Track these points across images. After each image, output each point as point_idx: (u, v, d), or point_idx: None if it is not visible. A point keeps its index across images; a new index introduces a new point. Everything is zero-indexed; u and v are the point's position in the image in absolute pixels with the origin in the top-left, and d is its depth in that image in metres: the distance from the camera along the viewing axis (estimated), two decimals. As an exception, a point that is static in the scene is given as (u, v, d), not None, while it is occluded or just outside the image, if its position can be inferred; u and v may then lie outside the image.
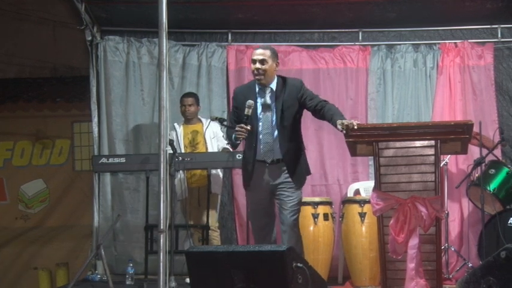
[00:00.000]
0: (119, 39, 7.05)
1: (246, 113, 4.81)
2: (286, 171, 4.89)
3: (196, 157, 6.06)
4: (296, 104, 4.89)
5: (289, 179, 4.89)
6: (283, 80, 4.97)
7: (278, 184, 4.91)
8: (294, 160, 4.90)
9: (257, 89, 4.97)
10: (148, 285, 5.75)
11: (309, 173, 5.11)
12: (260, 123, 4.92)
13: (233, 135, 4.89)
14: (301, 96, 4.88)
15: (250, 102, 4.84)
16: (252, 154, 4.95)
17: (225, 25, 7.15)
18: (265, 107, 4.93)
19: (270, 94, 4.94)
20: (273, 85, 4.95)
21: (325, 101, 4.90)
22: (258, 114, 4.93)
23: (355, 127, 4.55)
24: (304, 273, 3.66)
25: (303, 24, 7.09)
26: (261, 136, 4.91)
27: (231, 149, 5.48)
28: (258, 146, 4.92)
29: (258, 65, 4.89)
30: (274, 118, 4.90)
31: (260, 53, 4.92)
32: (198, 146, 6.35)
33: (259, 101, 4.95)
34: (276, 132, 4.89)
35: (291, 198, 4.89)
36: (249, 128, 4.80)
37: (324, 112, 4.80)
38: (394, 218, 4.66)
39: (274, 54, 4.97)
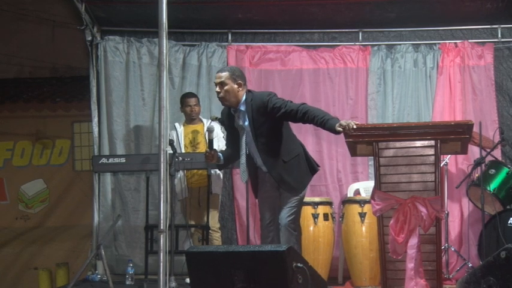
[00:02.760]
0: (119, 39, 7.05)
1: (209, 137, 4.89)
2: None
3: (196, 157, 6.05)
4: (268, 119, 4.77)
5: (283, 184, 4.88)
6: (251, 98, 4.85)
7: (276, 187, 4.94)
8: (281, 172, 4.84)
9: (232, 110, 4.94)
10: (148, 286, 5.75)
11: (313, 171, 5.03)
12: (243, 145, 4.91)
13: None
14: (271, 109, 4.73)
15: (210, 126, 4.95)
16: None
17: (225, 25, 7.15)
18: (240, 129, 4.91)
19: (241, 116, 4.89)
20: (242, 106, 4.87)
21: (303, 104, 4.76)
22: (240, 136, 4.93)
23: (354, 127, 4.51)
24: (305, 273, 3.67)
25: (303, 24, 7.10)
26: (246, 156, 4.92)
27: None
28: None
29: (217, 89, 4.85)
30: (250, 138, 4.86)
31: (217, 76, 4.89)
32: (199, 146, 6.35)
33: (235, 123, 4.94)
34: (257, 152, 4.87)
35: (290, 198, 4.87)
36: (212, 152, 4.86)
37: (309, 117, 4.64)
38: (394, 218, 4.66)
39: (234, 75, 4.85)
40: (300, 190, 4.91)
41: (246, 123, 4.85)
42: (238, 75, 4.87)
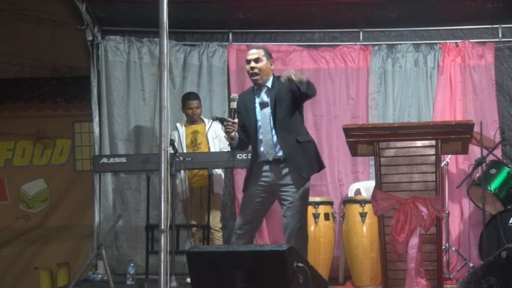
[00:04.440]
0: (119, 39, 7.05)
1: (231, 106, 4.85)
2: (288, 170, 4.82)
3: (197, 157, 6.06)
4: (289, 96, 4.81)
5: (291, 182, 4.80)
6: (278, 77, 4.94)
7: (281, 186, 4.85)
8: (294, 152, 4.82)
9: (254, 91, 4.98)
10: (149, 285, 5.75)
11: (320, 166, 5.00)
12: (259, 123, 4.91)
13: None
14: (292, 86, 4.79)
15: (234, 96, 4.93)
16: (255, 156, 4.95)
17: (225, 25, 7.15)
18: (263, 105, 4.91)
19: (266, 92, 4.93)
20: (269, 83, 4.94)
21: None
22: (257, 115, 4.92)
23: (293, 75, 4.50)
24: (305, 273, 3.66)
25: (304, 24, 7.10)
26: (261, 136, 4.90)
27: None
28: (259, 146, 4.91)
29: (252, 64, 4.89)
30: (270, 114, 4.88)
31: (254, 52, 4.94)
32: (200, 146, 6.35)
33: (257, 100, 4.94)
34: (274, 128, 4.86)
35: (295, 204, 4.81)
36: (236, 121, 4.82)
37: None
38: (395, 218, 4.65)
39: (268, 54, 4.97)
40: (308, 173, 4.86)
41: (269, 98, 4.89)
42: (270, 54, 5.00)
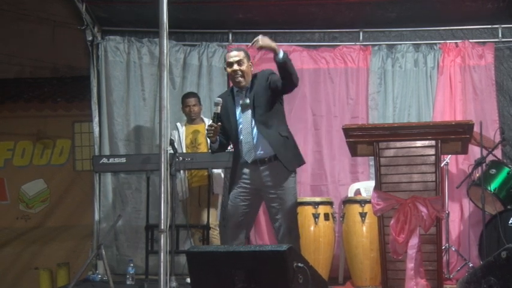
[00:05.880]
0: (119, 39, 7.06)
1: (214, 111, 4.83)
2: (268, 172, 4.79)
3: (196, 157, 6.05)
4: (268, 91, 4.82)
5: (274, 183, 4.79)
6: (256, 76, 4.94)
7: (265, 188, 4.84)
8: (280, 145, 4.79)
9: (235, 92, 4.96)
10: (149, 285, 5.75)
11: (300, 161, 4.98)
12: (241, 126, 4.88)
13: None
14: (269, 81, 4.80)
15: (217, 99, 4.88)
16: (236, 157, 4.94)
17: (225, 25, 7.15)
18: (244, 107, 4.89)
19: (247, 94, 4.90)
20: (249, 85, 4.93)
21: None
22: (238, 117, 4.90)
23: (259, 40, 4.61)
24: (305, 273, 3.67)
25: (304, 24, 7.10)
26: (241, 137, 4.87)
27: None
28: (240, 147, 4.88)
29: (236, 67, 4.86)
30: (252, 115, 4.86)
31: (236, 54, 4.91)
32: (200, 147, 6.35)
33: (238, 103, 4.92)
34: (255, 129, 4.84)
35: (283, 205, 4.80)
36: (219, 124, 4.81)
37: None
38: (395, 218, 4.66)
39: (248, 55, 4.97)
40: (294, 165, 4.85)
41: (249, 100, 4.87)
42: (249, 56, 5.01)
